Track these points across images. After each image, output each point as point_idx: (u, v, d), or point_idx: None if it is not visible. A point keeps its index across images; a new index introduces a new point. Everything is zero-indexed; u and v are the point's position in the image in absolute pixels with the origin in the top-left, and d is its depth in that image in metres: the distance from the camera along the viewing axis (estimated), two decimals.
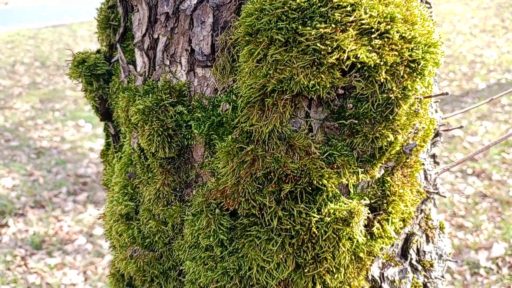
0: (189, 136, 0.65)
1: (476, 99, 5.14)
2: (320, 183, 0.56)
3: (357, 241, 0.58)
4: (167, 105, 0.63)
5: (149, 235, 0.66)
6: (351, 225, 0.57)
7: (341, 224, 0.56)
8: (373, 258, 0.61)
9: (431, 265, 0.69)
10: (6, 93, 6.49)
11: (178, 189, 0.67)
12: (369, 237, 0.60)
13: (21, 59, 7.77)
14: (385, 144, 0.58)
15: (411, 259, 0.68)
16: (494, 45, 6.54)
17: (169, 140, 0.63)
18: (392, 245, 0.67)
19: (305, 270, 0.57)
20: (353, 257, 0.58)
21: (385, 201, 0.61)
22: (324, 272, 0.57)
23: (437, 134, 0.71)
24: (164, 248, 0.66)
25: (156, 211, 0.67)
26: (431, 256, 0.72)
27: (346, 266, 0.58)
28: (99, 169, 4.85)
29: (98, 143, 5.32)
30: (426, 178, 0.69)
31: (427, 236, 0.73)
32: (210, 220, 0.60)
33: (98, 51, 0.76)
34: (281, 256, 0.57)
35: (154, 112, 0.63)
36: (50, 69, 7.36)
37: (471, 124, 4.67)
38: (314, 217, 0.57)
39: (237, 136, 0.59)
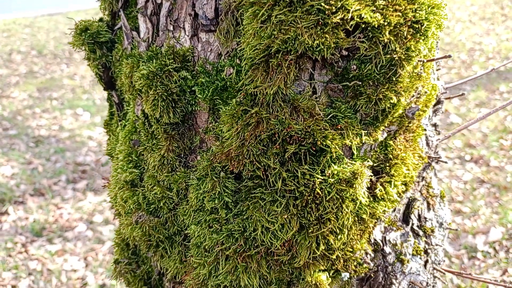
0: (193, 102, 0.65)
1: (475, 86, 5.14)
2: (324, 144, 0.56)
3: (360, 202, 0.59)
4: (171, 70, 0.64)
5: (154, 201, 0.67)
6: (354, 186, 0.57)
7: (344, 185, 0.57)
8: (376, 221, 0.62)
9: (432, 231, 0.70)
10: (3, 82, 6.45)
11: (182, 155, 0.67)
12: (372, 199, 0.61)
13: (18, 47, 7.71)
14: (388, 106, 0.58)
15: (413, 224, 0.69)
16: (493, 33, 6.52)
17: (173, 105, 0.64)
18: (394, 210, 0.68)
19: (309, 231, 0.58)
20: (356, 219, 0.59)
21: (387, 164, 0.62)
22: (327, 232, 0.58)
23: (438, 102, 0.72)
24: (169, 214, 0.67)
25: (160, 177, 0.67)
26: (431, 223, 0.73)
27: (349, 227, 0.59)
28: (98, 157, 4.85)
29: (97, 132, 5.31)
30: (427, 144, 0.70)
31: (428, 203, 0.74)
32: (215, 183, 0.60)
33: (101, 20, 0.75)
34: (285, 217, 0.58)
35: (158, 77, 0.63)
36: (47, 57, 7.30)
37: (469, 111, 4.68)
38: (317, 178, 0.57)
39: (242, 99, 0.59)
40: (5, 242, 3.64)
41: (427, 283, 0.67)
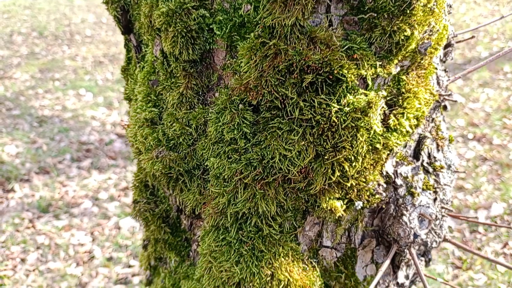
0: (211, 40, 0.67)
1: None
2: (341, 73, 0.58)
3: (374, 131, 0.61)
4: (190, 8, 0.65)
5: (173, 137, 0.69)
6: (369, 115, 0.60)
7: (359, 114, 0.59)
8: (389, 152, 0.65)
9: (441, 168, 0.73)
10: (4, 63, 6.45)
11: (200, 93, 0.69)
12: (385, 130, 0.63)
13: (18, 29, 7.67)
14: (402, 38, 0.60)
15: (423, 160, 0.72)
16: (498, 14, 6.46)
17: (192, 41, 0.65)
18: (405, 146, 0.71)
19: (325, 158, 0.61)
20: (370, 147, 0.62)
21: (400, 98, 0.64)
22: (342, 159, 0.60)
23: (449, 44, 0.74)
24: (188, 149, 0.69)
25: (179, 114, 0.69)
26: (440, 163, 0.76)
27: (363, 155, 0.61)
28: (102, 137, 4.88)
29: (100, 112, 5.33)
30: (438, 83, 0.72)
31: (437, 145, 0.76)
32: (234, 115, 0.63)
33: None
34: (302, 144, 0.60)
35: (178, 15, 0.65)
36: (48, 39, 7.27)
37: (473, 91, 4.68)
38: (334, 107, 0.59)
39: (260, 32, 0.61)
40: (12, 218, 3.70)
41: (436, 216, 0.69)
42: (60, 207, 3.75)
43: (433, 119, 0.75)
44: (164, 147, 0.69)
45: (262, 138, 0.63)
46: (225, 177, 0.65)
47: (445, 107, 0.81)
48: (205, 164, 0.68)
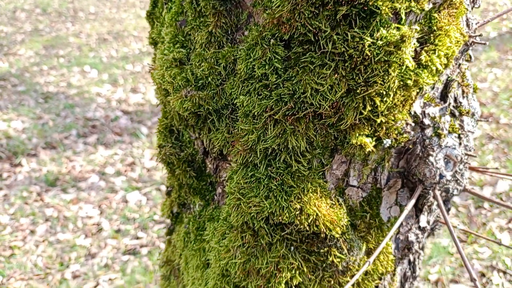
0: None
1: (487, 47, 5.07)
2: (375, 5, 0.58)
3: (406, 66, 0.61)
4: None
5: (202, 77, 0.70)
6: (402, 49, 0.60)
7: (392, 48, 0.59)
8: (418, 90, 0.65)
9: (467, 113, 0.73)
10: (8, 39, 6.40)
11: (229, 32, 0.69)
12: (416, 66, 0.63)
13: (21, 5, 7.59)
14: None
15: (450, 103, 0.72)
16: None
17: None
18: (433, 88, 0.71)
19: (357, 92, 0.61)
20: (401, 83, 0.62)
21: (431, 35, 0.64)
22: (374, 94, 0.61)
23: None
24: (217, 89, 0.69)
25: (208, 54, 0.70)
26: (466, 109, 0.76)
27: (394, 91, 0.62)
28: (108, 113, 4.87)
29: (105, 89, 5.31)
30: (468, 25, 0.72)
31: (462, 91, 0.76)
32: (265, 50, 0.63)
33: None
34: (334, 78, 0.60)
35: None
36: (51, 16, 7.20)
37: (480, 71, 4.64)
38: (367, 40, 0.59)
39: None
40: (21, 191, 3.73)
41: (461, 158, 0.70)
42: (67, 181, 3.77)
43: (459, 64, 0.75)
44: (192, 86, 0.69)
45: (293, 73, 0.63)
46: (255, 114, 0.65)
47: (470, 57, 0.81)
48: (234, 103, 0.69)
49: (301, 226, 0.63)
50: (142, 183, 3.72)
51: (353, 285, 0.68)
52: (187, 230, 0.84)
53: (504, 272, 2.47)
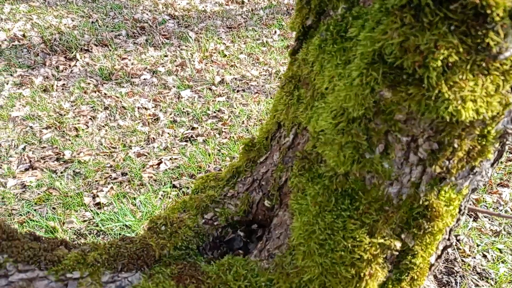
0: None
1: None
2: None
3: None
4: None
5: None
6: None
7: None
8: None
9: None
10: None
11: None
12: None
13: None
14: None
15: None
16: None
17: None
18: None
19: None
20: None
21: None
22: None
23: None
24: None
25: None
26: None
27: None
28: (155, 16, 4.85)
29: None
30: None
31: None
32: None
33: None
34: None
35: None
36: None
37: None
38: None
39: None
40: (78, 82, 3.88)
41: None
42: (121, 76, 3.89)
43: None
44: None
45: None
46: None
47: None
48: None
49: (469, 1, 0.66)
50: (193, 82, 3.81)
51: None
52: (323, 38, 0.89)
53: None
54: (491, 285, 1.72)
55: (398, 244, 0.84)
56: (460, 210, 0.89)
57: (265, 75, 3.87)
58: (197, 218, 1.08)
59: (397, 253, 0.85)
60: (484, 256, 1.89)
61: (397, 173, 0.79)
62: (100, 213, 2.33)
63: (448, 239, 0.95)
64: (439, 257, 0.95)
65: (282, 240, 0.97)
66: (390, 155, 0.77)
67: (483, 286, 1.72)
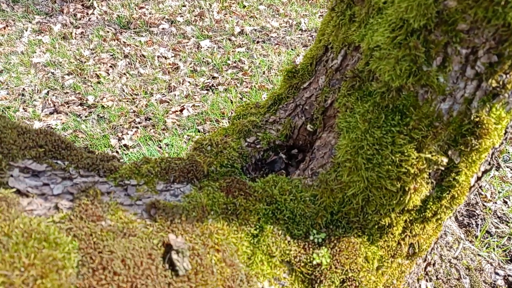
0: None
1: None
2: None
3: None
4: None
5: None
6: None
7: None
8: None
9: None
10: None
11: None
12: None
13: None
14: None
15: None
16: None
17: None
18: None
19: None
20: None
21: None
22: None
23: None
24: None
25: None
26: None
27: None
28: None
29: None
30: None
31: None
32: None
33: None
34: None
35: None
36: None
37: None
38: None
39: None
40: (97, 30, 3.84)
41: None
42: (139, 25, 3.84)
43: None
44: None
45: None
46: None
47: None
48: None
49: None
50: (212, 32, 3.75)
51: None
52: None
53: None
54: (511, 227, 1.77)
55: (445, 160, 0.86)
56: (505, 131, 0.91)
57: (286, 26, 3.80)
58: (240, 141, 1.11)
59: (442, 168, 0.88)
60: (505, 202, 1.92)
61: (452, 88, 0.80)
62: (128, 153, 2.39)
63: (489, 163, 0.98)
64: (479, 178, 0.97)
65: (326, 159, 1.00)
66: (447, 68, 0.78)
67: (503, 228, 1.77)
